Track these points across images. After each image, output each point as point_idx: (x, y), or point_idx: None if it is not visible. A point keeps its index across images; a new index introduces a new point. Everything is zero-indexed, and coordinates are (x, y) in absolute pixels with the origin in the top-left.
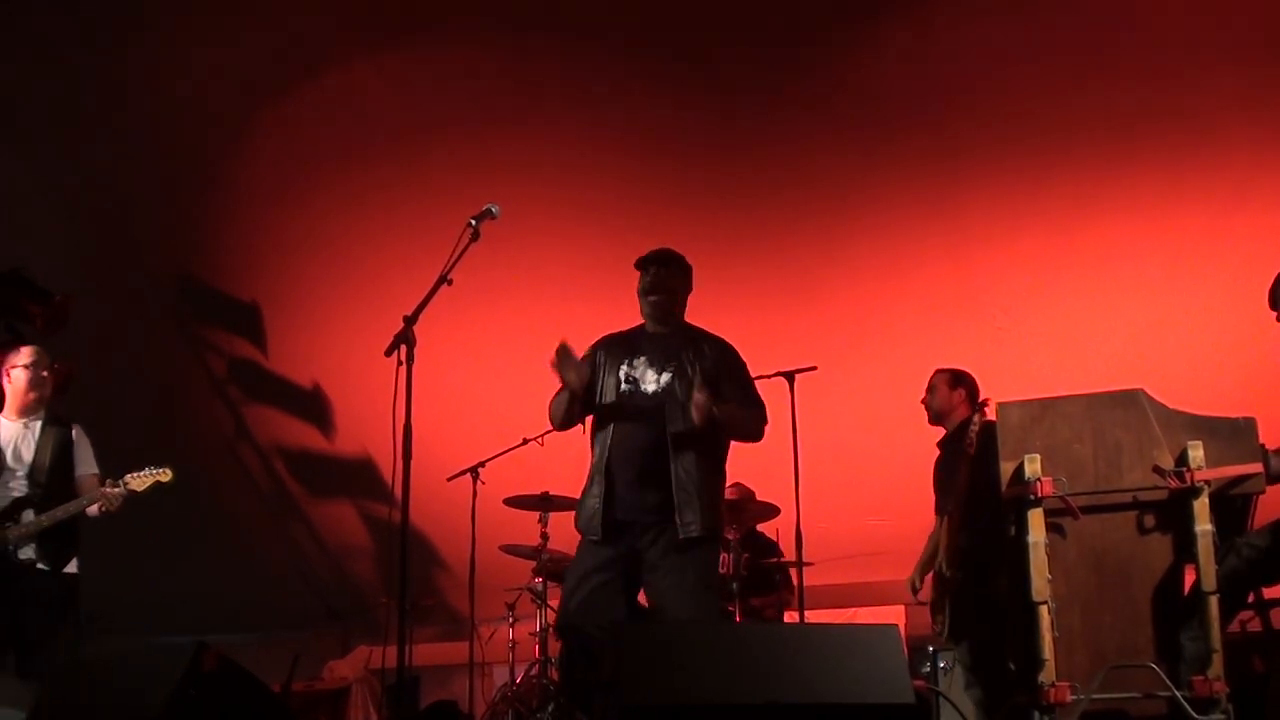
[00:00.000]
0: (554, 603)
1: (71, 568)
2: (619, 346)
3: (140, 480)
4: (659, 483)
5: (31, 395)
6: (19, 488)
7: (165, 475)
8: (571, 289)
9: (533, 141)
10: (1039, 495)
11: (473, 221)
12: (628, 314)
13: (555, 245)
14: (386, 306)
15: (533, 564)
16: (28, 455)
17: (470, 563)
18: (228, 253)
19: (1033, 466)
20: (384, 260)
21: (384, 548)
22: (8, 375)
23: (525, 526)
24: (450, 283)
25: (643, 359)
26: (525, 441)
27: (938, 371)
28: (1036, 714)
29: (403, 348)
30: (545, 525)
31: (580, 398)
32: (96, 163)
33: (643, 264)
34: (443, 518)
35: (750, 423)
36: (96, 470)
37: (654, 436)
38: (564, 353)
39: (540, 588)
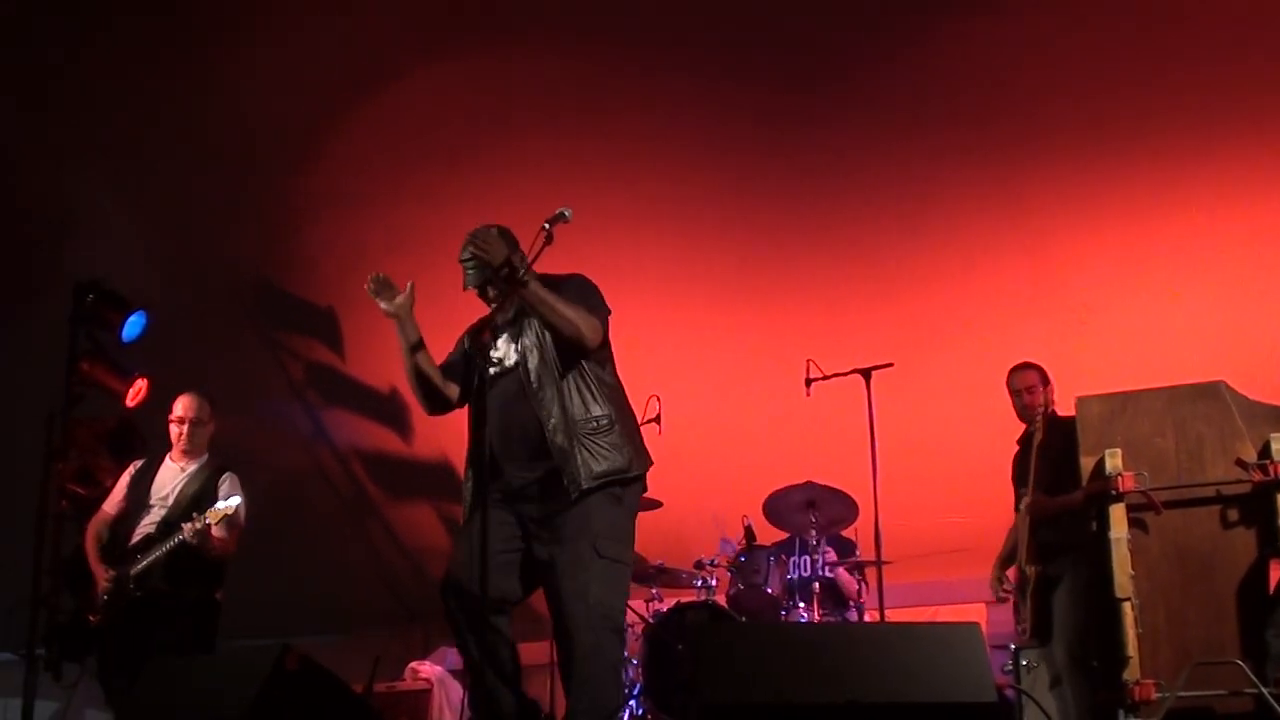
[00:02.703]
0: (633, 602)
1: (214, 594)
2: (479, 331)
3: (215, 514)
4: (538, 451)
5: (183, 444)
6: (152, 526)
7: (229, 509)
8: (647, 290)
9: (609, 144)
10: (1121, 490)
11: (546, 225)
12: (699, 309)
13: (629, 247)
14: (463, 310)
15: None
16: (172, 497)
17: None
18: (305, 258)
19: (1114, 461)
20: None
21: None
22: (170, 424)
23: None
24: (525, 286)
25: (504, 336)
26: None
27: (1030, 369)
28: (1121, 712)
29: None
30: None
31: (408, 334)
32: (175, 173)
33: (461, 263)
34: None
35: (569, 314)
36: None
37: (524, 406)
38: (377, 281)
39: None
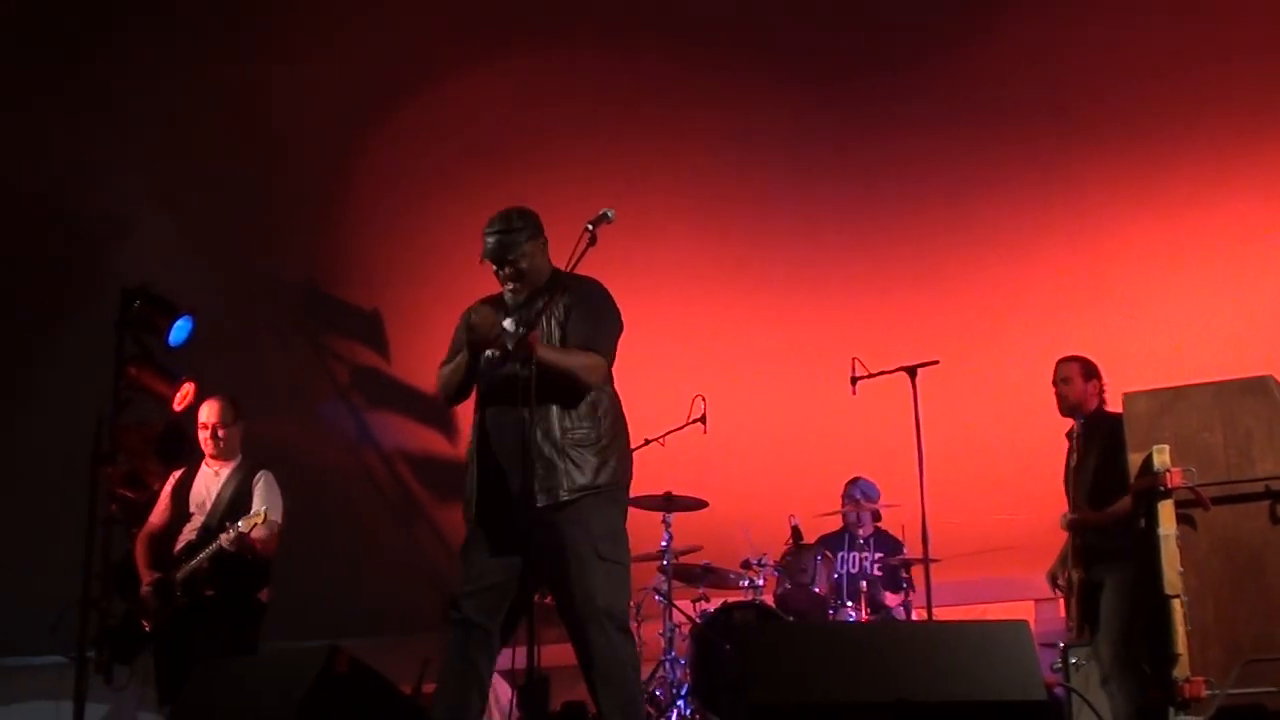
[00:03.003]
0: (680, 602)
1: (258, 595)
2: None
3: (247, 521)
4: (521, 455)
5: (210, 448)
6: (193, 533)
7: (260, 516)
8: (690, 289)
9: (650, 141)
10: (1169, 486)
11: (590, 226)
12: (743, 308)
13: (671, 245)
14: None
15: (657, 565)
16: (209, 501)
17: None
18: (351, 262)
19: (1161, 457)
20: None
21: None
22: (198, 431)
23: (649, 527)
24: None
25: (509, 320)
26: (647, 442)
27: (1070, 360)
28: (1172, 710)
29: (527, 355)
30: (669, 526)
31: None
32: (217, 177)
33: (493, 261)
34: None
35: (572, 367)
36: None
37: (512, 405)
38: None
39: (665, 587)
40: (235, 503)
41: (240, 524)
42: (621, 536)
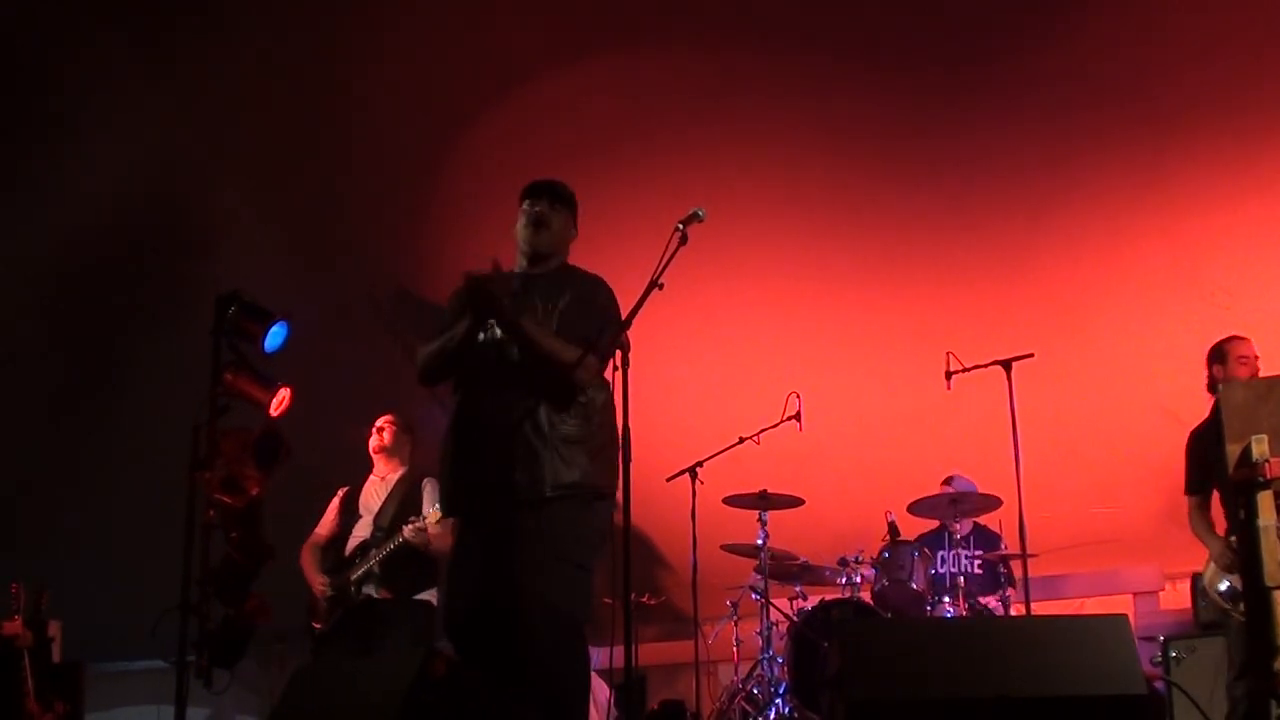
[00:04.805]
0: (777, 600)
1: (427, 596)
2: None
3: (434, 514)
4: (506, 444)
5: (377, 458)
6: (365, 532)
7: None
8: (784, 285)
9: (742, 134)
10: (1268, 476)
11: (680, 226)
12: (837, 303)
13: (765, 243)
14: None
15: (754, 562)
16: (377, 506)
17: (692, 562)
18: (444, 265)
19: (1260, 447)
20: (596, 266)
21: (607, 549)
22: (372, 450)
23: (744, 525)
24: (661, 287)
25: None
26: (741, 440)
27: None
28: (1274, 703)
29: (618, 353)
30: (765, 523)
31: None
32: (313, 186)
33: (532, 193)
34: (663, 518)
35: (554, 351)
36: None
37: (500, 391)
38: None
39: (762, 586)
40: (405, 504)
41: (426, 516)
42: (594, 542)
